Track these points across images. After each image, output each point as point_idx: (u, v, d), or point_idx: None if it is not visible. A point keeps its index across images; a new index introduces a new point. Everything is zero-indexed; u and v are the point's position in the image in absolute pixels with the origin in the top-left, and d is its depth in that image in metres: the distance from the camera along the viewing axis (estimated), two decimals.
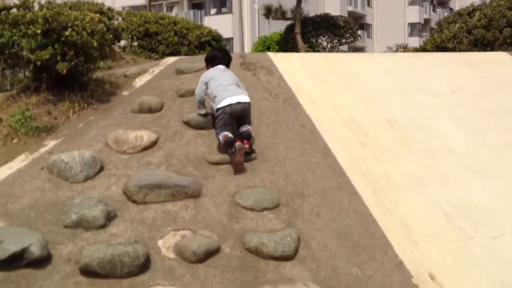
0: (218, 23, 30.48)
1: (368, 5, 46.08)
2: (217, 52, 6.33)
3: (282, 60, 7.63)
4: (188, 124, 6.00)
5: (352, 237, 4.80)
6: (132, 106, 6.45)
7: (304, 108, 6.61)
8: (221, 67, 5.99)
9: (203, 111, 6.00)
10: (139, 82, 7.66)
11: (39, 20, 6.13)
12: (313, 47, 18.26)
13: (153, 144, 5.65)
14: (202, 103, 5.97)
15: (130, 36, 12.25)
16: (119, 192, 4.90)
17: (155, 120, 6.20)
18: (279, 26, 21.05)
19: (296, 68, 7.48)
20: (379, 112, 6.86)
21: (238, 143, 5.40)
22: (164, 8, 35.58)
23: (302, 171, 5.55)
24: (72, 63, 6.28)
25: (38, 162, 5.35)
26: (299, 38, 17.15)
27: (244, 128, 5.67)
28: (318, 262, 4.45)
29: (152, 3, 33.47)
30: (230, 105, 5.57)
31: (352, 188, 5.46)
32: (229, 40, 32.90)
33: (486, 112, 7.31)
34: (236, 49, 30.69)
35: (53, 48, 6.25)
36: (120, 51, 10.41)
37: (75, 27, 6.31)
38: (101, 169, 5.21)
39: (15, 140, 5.91)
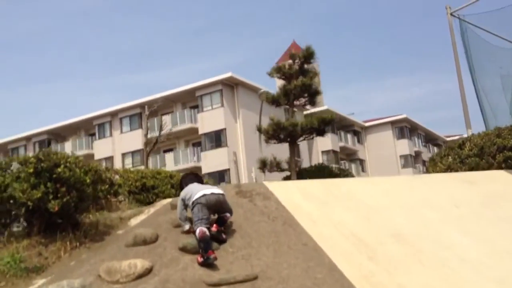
0: (213, 158, 31.65)
1: (359, 141, 47.72)
2: (189, 174, 6.98)
3: (277, 187, 7.61)
4: (184, 249, 5.77)
5: None
6: (126, 240, 6.26)
7: (304, 228, 6.42)
8: (196, 183, 6.53)
9: (187, 226, 6.21)
10: (134, 221, 7.53)
11: (32, 159, 6.20)
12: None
13: (147, 272, 5.37)
14: (184, 220, 6.29)
15: (127, 191, 12.37)
16: None
17: (150, 250, 5.96)
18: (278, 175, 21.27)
19: (292, 192, 7.44)
20: (382, 227, 6.66)
21: (212, 256, 5.54)
22: (162, 151, 36.76)
23: (308, 287, 5.19)
24: (64, 200, 6.21)
25: None
26: None
27: (222, 214, 6.18)
28: None
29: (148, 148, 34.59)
30: (204, 195, 6.06)
31: None
32: (226, 171, 33.35)
33: (492, 221, 7.13)
34: (233, 179, 30.87)
35: (45, 187, 6.24)
36: (116, 201, 10.40)
37: (68, 164, 6.36)
38: None
39: (2, 283, 5.60)
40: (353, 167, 43.28)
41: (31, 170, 6.22)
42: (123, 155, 38.65)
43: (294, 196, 7.35)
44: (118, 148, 38.79)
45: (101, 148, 39.39)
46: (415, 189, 8.03)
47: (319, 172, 19.77)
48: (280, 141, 19.30)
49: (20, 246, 6.37)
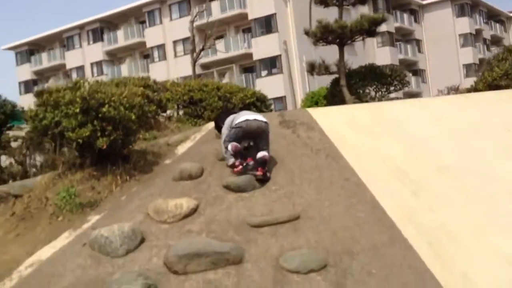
0: (270, 84, 31.04)
1: (419, 51, 45.75)
2: (222, 112, 7.42)
3: (322, 115, 7.56)
4: (228, 188, 5.95)
5: None
6: (173, 174, 6.49)
7: (348, 161, 6.44)
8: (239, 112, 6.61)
9: (231, 160, 6.22)
10: (181, 149, 7.73)
11: (77, 99, 6.36)
12: (360, 98, 18.15)
13: (193, 211, 5.61)
14: (228, 154, 6.29)
15: (176, 105, 12.60)
16: (160, 264, 4.83)
17: (195, 186, 6.19)
18: (328, 80, 21.08)
19: (337, 121, 7.38)
20: (429, 160, 6.59)
21: (249, 163, 5.96)
22: (216, 75, 36.79)
23: (350, 227, 5.32)
24: (111, 138, 6.42)
25: (81, 239, 5.40)
26: (345, 90, 17.16)
27: (260, 154, 6.04)
28: None
29: (204, 71, 34.75)
30: (246, 120, 6.13)
31: (405, 242, 5.17)
32: (282, 98, 33.36)
33: None
34: (289, 107, 31.00)
35: (92, 125, 6.44)
36: (165, 121, 10.66)
37: (112, 103, 6.50)
38: (142, 240, 5.19)
39: (60, 218, 6.02)
40: (413, 79, 41.22)
41: (78, 110, 6.40)
42: (174, 42, 38.28)
43: (339, 125, 7.30)
44: (169, 35, 38.33)
45: (152, 36, 39.07)
46: (466, 112, 7.78)
47: (370, 73, 19.27)
48: (328, 43, 18.73)
49: (74, 179, 6.76)
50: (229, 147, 6.13)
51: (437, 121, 7.45)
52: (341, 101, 17.49)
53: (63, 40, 43.72)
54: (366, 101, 17.65)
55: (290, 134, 7.03)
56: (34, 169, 8.41)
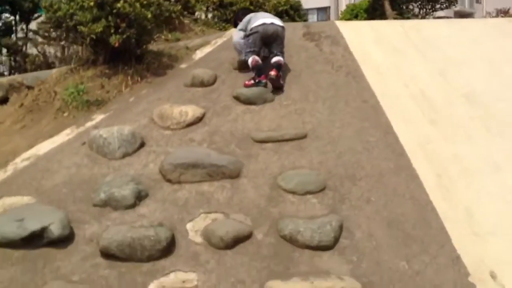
0: None
1: None
2: (243, 9, 7.27)
3: (350, 29, 7.14)
4: (237, 98, 5.77)
5: (404, 226, 4.34)
6: (185, 80, 6.33)
7: (369, 81, 6.12)
8: (256, 13, 6.47)
9: (243, 56, 6.19)
10: (200, 54, 7.51)
11: None
12: (402, 14, 17.21)
13: (198, 120, 5.49)
14: (241, 48, 6.28)
15: (205, 7, 12.19)
16: (155, 170, 4.79)
17: (206, 94, 6.03)
18: None
19: (365, 37, 6.96)
20: (456, 85, 6.19)
21: (264, 80, 5.79)
22: None
23: (357, 151, 5.12)
24: (124, 36, 6.23)
25: (82, 137, 5.39)
26: (387, 4, 16.24)
27: (275, 59, 5.92)
28: (360, 254, 4.07)
29: None
30: (263, 24, 5.96)
31: (413, 171, 4.95)
32: (326, 9, 32.18)
33: None
34: (332, 18, 29.97)
35: (106, 21, 6.24)
36: (189, 23, 10.35)
37: None
38: (142, 145, 5.14)
39: (65, 114, 6.01)
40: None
41: (92, 3, 6.18)
42: None
43: (366, 40, 6.89)
44: None
45: None
46: (510, 38, 7.20)
47: None
48: None
49: (85, 75, 6.68)
50: (250, 61, 6.00)
51: (474, 45, 6.93)
52: (382, 15, 16.62)
53: None
54: (408, 18, 16.77)
55: (313, 47, 6.69)
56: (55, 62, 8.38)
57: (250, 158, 4.97)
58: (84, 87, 6.28)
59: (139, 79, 6.58)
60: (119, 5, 6.15)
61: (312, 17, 33.33)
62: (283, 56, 6.03)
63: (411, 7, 18.24)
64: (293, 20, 12.51)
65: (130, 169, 4.83)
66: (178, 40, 9.10)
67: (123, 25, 6.23)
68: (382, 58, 6.56)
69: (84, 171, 4.79)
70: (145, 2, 6.53)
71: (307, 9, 30.93)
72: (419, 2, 17.08)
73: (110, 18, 6.26)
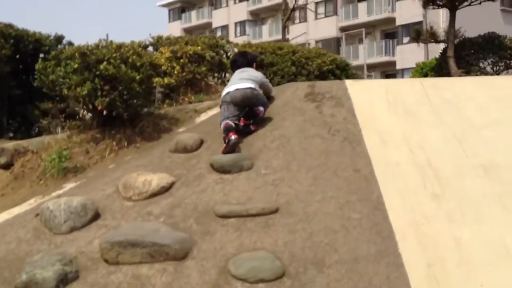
0: (411, 52, 29.15)
1: None
2: (236, 56, 6.63)
3: (360, 89, 6.49)
4: (212, 166, 5.25)
5: None
6: (170, 145, 5.93)
7: (368, 148, 5.40)
8: (238, 70, 6.18)
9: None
10: (204, 117, 7.13)
11: (76, 54, 5.96)
12: (470, 73, 16.13)
13: (164, 190, 5.01)
14: None
15: None
16: (98, 248, 4.31)
17: (186, 161, 5.57)
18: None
19: (375, 98, 6.27)
20: (474, 154, 5.32)
21: (233, 137, 5.45)
22: (356, 39, 35.79)
23: (333, 231, 4.39)
24: (107, 99, 5.97)
25: (40, 208, 5.05)
26: (451, 62, 15.31)
27: (254, 108, 5.82)
28: None
29: (344, 32, 33.80)
30: (228, 93, 5.80)
31: (398, 259, 4.13)
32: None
33: None
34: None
35: (92, 83, 6.03)
36: (214, 84, 10.11)
37: (112, 60, 6.01)
38: (95, 218, 4.72)
39: (41, 181, 5.77)
40: None
41: (76, 66, 6.02)
42: (316, 3, 37.31)
43: (376, 102, 6.19)
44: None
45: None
46: None
47: (487, 43, 17.05)
48: (438, 6, 16.76)
49: (76, 140, 6.47)
50: (221, 126, 5.68)
51: (504, 107, 6.02)
52: (447, 73, 15.70)
53: None
54: (477, 76, 15.67)
55: (312, 109, 6.09)
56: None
57: (205, 236, 4.38)
58: (68, 153, 6.04)
59: (126, 144, 6.27)
60: (102, 66, 5.94)
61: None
62: (264, 106, 5.94)
63: (482, 65, 17.13)
64: (339, 80, 11.96)
65: (72, 245, 4.39)
66: (201, 101, 8.85)
67: (107, 87, 5.97)
68: (389, 121, 5.83)
69: (23, 247, 4.42)
70: (137, 64, 6.26)
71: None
72: (491, 60, 15.95)
73: (96, 80, 6.04)
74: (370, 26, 34.65)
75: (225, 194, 4.88)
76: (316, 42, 36.25)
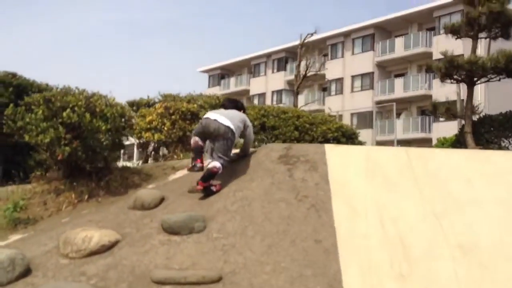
0: (446, 128, 28.88)
1: None
2: (224, 101, 6.71)
3: (339, 154, 6.12)
4: (162, 225, 4.88)
5: None
6: (129, 202, 5.61)
7: (335, 217, 4.98)
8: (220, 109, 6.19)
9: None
10: (179, 174, 6.81)
11: (40, 100, 5.79)
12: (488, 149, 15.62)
13: (104, 249, 4.64)
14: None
15: None
16: None
17: (140, 219, 5.22)
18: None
19: (354, 164, 5.88)
20: (452, 233, 4.84)
21: (199, 164, 5.72)
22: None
23: None
24: (68, 148, 5.73)
25: None
26: (469, 138, 14.97)
27: (210, 165, 5.54)
28: None
29: (377, 105, 33.90)
30: (207, 118, 5.75)
31: None
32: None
33: None
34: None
35: (55, 131, 5.82)
36: None
37: (76, 108, 5.81)
38: (25, 274, 4.36)
39: None
40: None
41: (40, 112, 5.83)
42: (353, 77, 38.07)
43: (354, 169, 5.79)
44: (348, 70, 38.41)
45: (332, 69, 39.46)
46: None
47: (508, 122, 16.60)
48: (457, 81, 16.52)
49: (37, 190, 6.20)
50: (191, 141, 5.90)
51: (492, 183, 5.56)
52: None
53: (250, 67, 46.33)
54: None
55: (283, 172, 5.72)
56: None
57: None
58: (24, 203, 5.76)
59: (87, 197, 5.96)
60: (64, 114, 5.73)
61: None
62: (222, 161, 5.61)
63: (503, 143, 16.64)
64: None
65: None
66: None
67: (68, 136, 5.74)
68: (364, 190, 5.41)
69: None
70: (107, 114, 6.05)
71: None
72: None
73: (60, 128, 5.82)
74: (406, 102, 34.74)
75: (168, 257, 4.48)
76: (352, 114, 36.45)
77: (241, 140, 6.40)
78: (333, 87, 39.70)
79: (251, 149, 6.44)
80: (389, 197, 5.36)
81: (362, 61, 37.32)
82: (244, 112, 6.47)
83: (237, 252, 4.50)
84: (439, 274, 4.35)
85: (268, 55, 44.74)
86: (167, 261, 4.43)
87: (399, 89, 34.78)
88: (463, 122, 16.74)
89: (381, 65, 36.97)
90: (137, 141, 9.98)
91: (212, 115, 5.82)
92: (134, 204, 5.48)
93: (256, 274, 4.26)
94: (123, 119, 6.29)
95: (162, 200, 5.52)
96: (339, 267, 4.36)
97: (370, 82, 36.60)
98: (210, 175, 5.48)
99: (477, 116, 17.51)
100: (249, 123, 6.16)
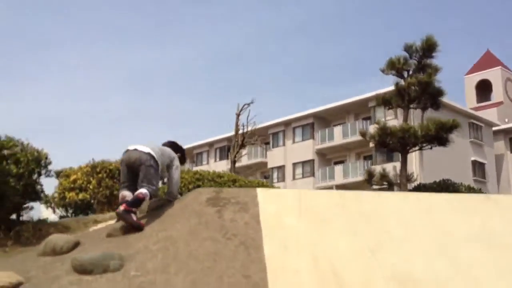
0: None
1: None
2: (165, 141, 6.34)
3: (270, 197, 5.90)
4: (72, 265, 4.41)
5: None
6: (39, 249, 5.11)
7: (266, 254, 4.67)
8: None
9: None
10: (102, 225, 6.35)
11: None
12: None
13: None
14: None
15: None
16: None
17: (50, 263, 4.71)
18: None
19: (287, 205, 5.65)
20: (388, 265, 4.63)
21: (121, 208, 5.24)
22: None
23: None
24: None
25: None
26: None
27: (136, 192, 5.35)
28: None
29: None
30: (127, 151, 5.56)
31: None
32: None
33: None
34: None
35: None
36: None
37: None
38: None
39: None
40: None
41: None
42: (294, 164, 39.19)
43: (286, 210, 5.55)
44: (289, 157, 39.43)
45: (275, 157, 40.34)
46: (479, 215, 5.68)
47: (441, 190, 16.99)
48: (391, 149, 16.99)
49: None
50: (120, 195, 5.61)
51: (425, 220, 5.45)
52: None
53: (193, 156, 46.41)
54: None
55: (211, 213, 5.41)
56: None
57: None
58: None
59: None
60: None
61: None
62: (149, 188, 5.40)
63: None
64: None
65: None
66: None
67: None
68: (297, 229, 5.16)
69: None
70: (20, 158, 5.62)
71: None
72: None
73: None
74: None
75: None
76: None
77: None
78: (275, 175, 40.31)
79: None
80: (323, 235, 5.13)
81: (302, 149, 38.65)
82: (182, 155, 6.30)
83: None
84: None
85: (211, 144, 45.12)
86: None
87: (339, 176, 35.91)
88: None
89: (321, 153, 38.12)
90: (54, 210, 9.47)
91: (131, 146, 5.61)
92: (44, 249, 4.97)
93: None
94: (40, 165, 5.85)
95: (76, 244, 5.05)
96: None
97: (311, 169, 37.61)
98: (136, 201, 5.30)
99: (412, 185, 17.91)
100: (177, 164, 5.98)
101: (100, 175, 8.77)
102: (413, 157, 28.54)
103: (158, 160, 5.56)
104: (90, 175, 8.81)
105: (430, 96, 16.68)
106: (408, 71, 16.64)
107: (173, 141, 6.41)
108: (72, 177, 8.73)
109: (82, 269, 4.30)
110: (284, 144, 40.17)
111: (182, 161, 6.34)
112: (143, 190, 5.33)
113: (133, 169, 5.51)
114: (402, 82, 16.82)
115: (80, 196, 8.49)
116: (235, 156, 19.77)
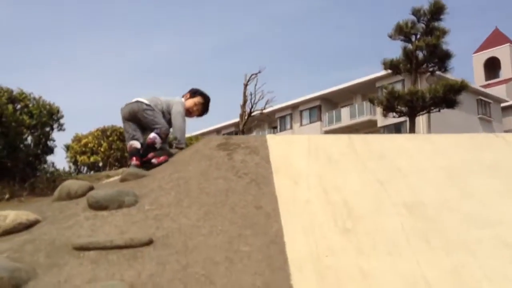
0: None
1: None
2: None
3: (280, 142, 5.98)
4: (88, 202, 4.53)
5: None
6: (54, 195, 5.23)
7: (276, 188, 4.76)
8: None
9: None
10: (114, 178, 6.48)
11: None
12: None
13: (21, 227, 4.22)
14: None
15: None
16: None
17: (65, 206, 4.83)
18: None
19: (297, 147, 5.73)
20: (397, 195, 4.70)
21: (134, 163, 5.56)
22: None
23: (214, 263, 3.61)
24: None
25: None
26: None
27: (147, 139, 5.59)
28: None
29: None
30: (121, 109, 5.75)
31: None
32: None
33: None
34: None
35: None
36: None
37: None
38: None
39: None
40: None
41: None
42: None
43: (296, 151, 5.64)
44: None
45: None
46: (487, 151, 5.71)
47: None
48: (399, 114, 16.97)
49: None
50: (127, 146, 5.81)
51: (434, 157, 5.50)
52: None
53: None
54: None
55: (222, 156, 5.50)
56: None
57: (51, 269, 3.55)
58: None
59: (7, 197, 5.53)
60: None
61: None
62: (156, 130, 5.63)
63: None
64: None
65: None
66: None
67: None
68: (306, 167, 5.24)
69: None
70: (32, 110, 5.71)
71: None
72: None
73: None
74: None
75: (93, 229, 4.11)
76: None
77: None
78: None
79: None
80: (332, 172, 5.21)
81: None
82: (191, 95, 6.22)
83: (171, 220, 4.19)
84: (385, 227, 4.16)
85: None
86: (91, 232, 4.07)
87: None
88: None
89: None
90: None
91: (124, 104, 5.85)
92: (59, 194, 5.08)
93: (191, 237, 3.95)
94: (52, 118, 5.96)
95: (91, 188, 5.14)
96: (280, 226, 4.12)
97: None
98: (147, 148, 5.50)
99: None
100: (178, 109, 5.90)
101: (111, 138, 8.88)
102: (420, 120, 28.36)
103: (150, 103, 5.70)
104: (101, 138, 8.92)
105: (438, 59, 16.57)
106: (416, 35, 16.54)
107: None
108: (83, 141, 8.84)
109: (98, 205, 4.41)
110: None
111: (203, 109, 6.30)
112: (151, 135, 5.53)
113: (134, 122, 5.70)
114: (410, 47, 16.70)
115: (92, 159, 8.59)
116: (243, 126, 19.84)
